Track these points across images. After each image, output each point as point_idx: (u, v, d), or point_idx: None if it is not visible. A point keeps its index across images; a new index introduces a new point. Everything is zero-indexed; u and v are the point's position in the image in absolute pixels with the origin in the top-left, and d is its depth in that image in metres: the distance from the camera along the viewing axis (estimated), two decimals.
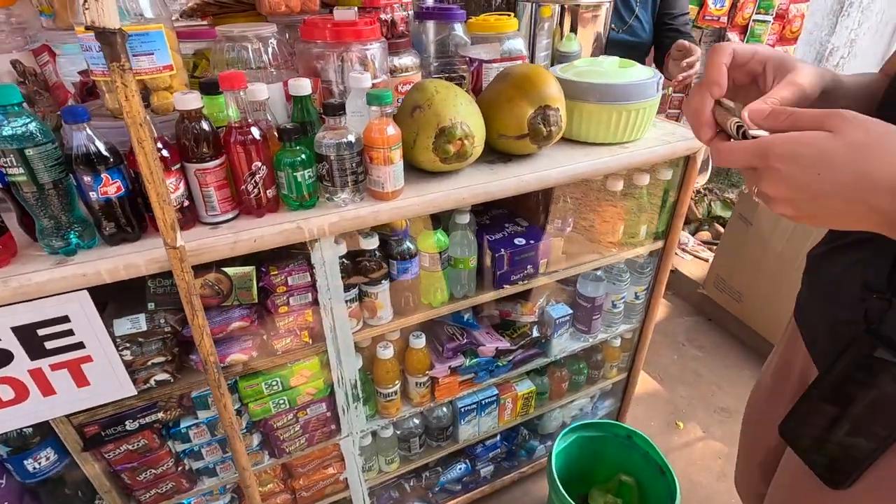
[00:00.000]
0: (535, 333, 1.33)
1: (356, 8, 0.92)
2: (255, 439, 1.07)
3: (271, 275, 0.89)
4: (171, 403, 0.95)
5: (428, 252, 1.04)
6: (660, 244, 1.33)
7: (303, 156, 0.81)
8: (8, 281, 0.69)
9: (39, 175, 0.66)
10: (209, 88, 0.80)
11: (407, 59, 1.05)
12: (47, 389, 0.78)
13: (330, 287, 0.93)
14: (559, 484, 1.25)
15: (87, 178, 0.69)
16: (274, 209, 0.86)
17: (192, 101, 0.72)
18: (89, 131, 0.68)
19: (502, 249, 1.11)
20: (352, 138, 0.82)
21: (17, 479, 0.89)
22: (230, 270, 0.86)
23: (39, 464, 0.88)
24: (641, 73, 1.08)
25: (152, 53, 0.76)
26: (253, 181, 0.80)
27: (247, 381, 0.98)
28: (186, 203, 0.78)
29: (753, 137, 0.44)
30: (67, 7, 0.79)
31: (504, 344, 1.27)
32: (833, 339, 0.65)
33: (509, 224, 1.21)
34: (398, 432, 1.30)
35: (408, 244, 1.03)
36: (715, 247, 2.50)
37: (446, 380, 1.23)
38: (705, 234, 2.92)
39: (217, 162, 0.77)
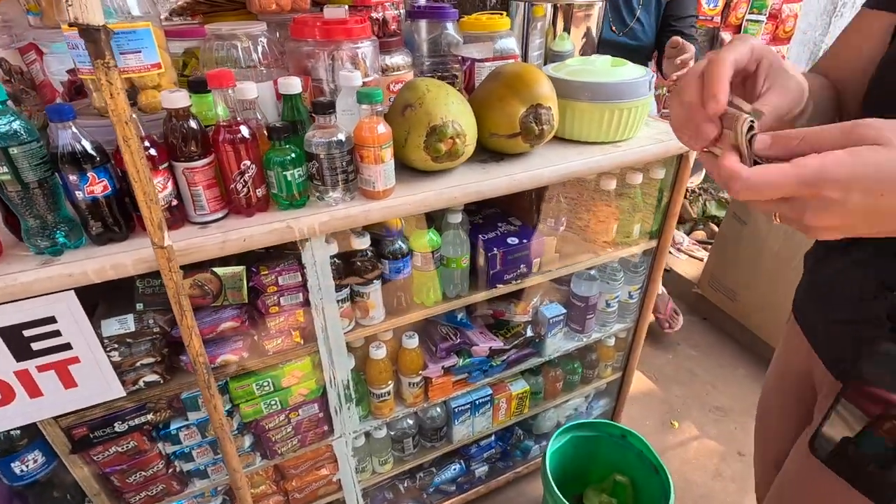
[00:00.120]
0: (529, 333, 1.33)
1: (346, 6, 0.91)
2: (247, 440, 1.07)
3: (261, 275, 0.89)
4: (160, 405, 0.95)
5: (420, 251, 1.03)
6: (653, 243, 1.33)
7: (292, 155, 0.81)
8: None
9: (24, 174, 0.65)
10: (197, 87, 0.79)
11: (399, 58, 1.05)
12: (34, 391, 0.77)
13: (321, 287, 0.92)
14: (553, 484, 1.25)
15: (72, 177, 0.68)
16: (264, 208, 0.85)
17: (179, 99, 0.71)
18: (75, 130, 0.67)
19: (495, 249, 1.10)
20: (342, 137, 0.82)
21: (5, 482, 0.88)
22: (220, 270, 0.86)
23: (27, 466, 0.87)
24: (633, 72, 1.08)
25: (140, 51, 0.76)
26: (242, 180, 0.80)
27: (238, 382, 0.97)
28: (175, 202, 0.77)
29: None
30: (54, 5, 0.78)
31: (498, 344, 1.26)
32: (835, 338, 0.65)
33: (502, 223, 1.21)
34: (392, 433, 1.29)
35: (400, 243, 1.02)
36: (709, 246, 2.50)
37: (440, 380, 1.23)
38: (700, 234, 2.93)
39: (205, 161, 0.77)
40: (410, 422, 1.31)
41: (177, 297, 0.76)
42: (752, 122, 0.40)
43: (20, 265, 0.71)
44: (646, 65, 1.59)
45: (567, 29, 1.43)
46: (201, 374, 0.83)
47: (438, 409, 1.33)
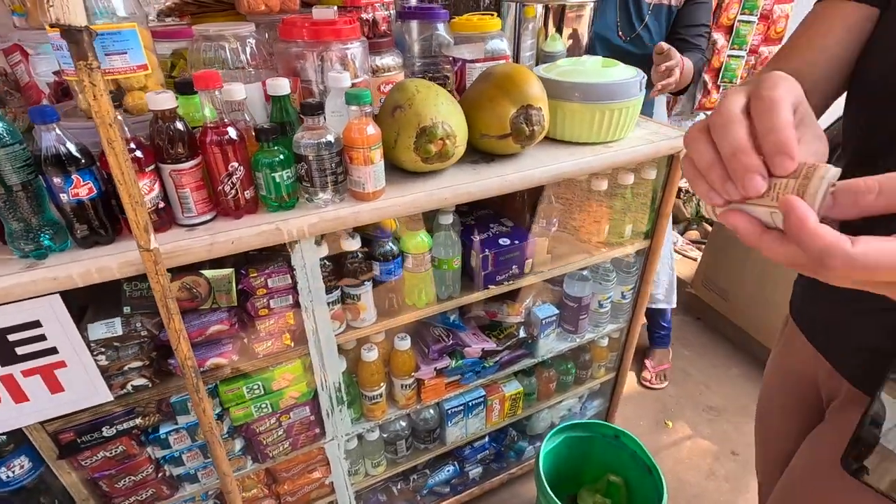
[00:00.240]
0: (522, 334, 1.32)
1: (336, 7, 0.91)
2: (238, 444, 1.06)
3: (250, 277, 0.88)
4: (149, 409, 0.94)
5: (411, 253, 1.03)
6: (646, 243, 1.33)
7: (281, 156, 0.80)
8: None
9: (7, 176, 0.65)
10: (184, 88, 0.78)
11: (389, 59, 1.05)
12: (19, 396, 0.77)
13: (311, 289, 0.91)
14: (546, 485, 1.24)
15: (57, 180, 0.68)
16: (252, 210, 0.84)
17: (165, 100, 0.71)
18: (58, 132, 0.67)
19: (487, 250, 1.10)
20: (331, 138, 0.81)
21: None
22: (208, 273, 0.85)
23: (13, 472, 0.86)
24: (624, 73, 1.08)
25: (125, 52, 0.75)
26: (230, 182, 0.79)
27: (227, 386, 0.96)
28: (162, 205, 0.77)
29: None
30: (38, 6, 0.78)
31: (490, 345, 1.26)
32: (853, 350, 0.64)
33: (494, 224, 1.21)
34: (384, 435, 1.29)
35: (391, 245, 1.02)
36: (703, 246, 2.51)
37: (432, 381, 1.22)
38: (693, 234, 2.94)
39: (193, 163, 0.76)
40: (403, 424, 1.31)
41: (164, 300, 0.75)
42: (834, 175, 0.32)
43: (3, 269, 0.70)
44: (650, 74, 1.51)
45: (559, 30, 1.43)
46: (190, 378, 0.83)
47: (431, 411, 1.33)
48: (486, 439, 1.53)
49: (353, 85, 0.90)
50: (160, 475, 1.00)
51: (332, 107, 0.87)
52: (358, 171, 0.85)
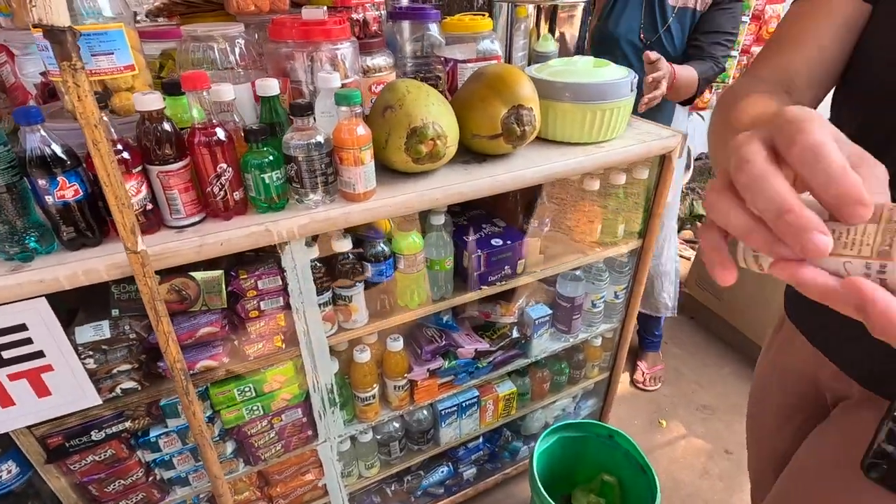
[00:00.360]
0: (515, 334, 1.32)
1: (325, 7, 0.91)
2: (229, 447, 1.05)
3: (241, 279, 0.88)
4: (139, 412, 0.93)
5: (403, 254, 1.03)
6: (638, 243, 1.34)
7: (270, 157, 0.80)
8: None
9: None
10: (171, 89, 0.78)
11: (380, 59, 1.04)
12: (6, 400, 0.76)
13: (302, 291, 0.91)
14: (540, 485, 1.24)
15: (41, 182, 0.67)
16: (242, 212, 0.84)
17: (152, 101, 0.70)
18: (43, 133, 0.66)
19: (479, 250, 1.10)
20: (320, 139, 0.81)
21: None
22: (197, 275, 0.84)
23: (0, 477, 0.85)
24: (615, 73, 1.08)
25: (112, 53, 0.74)
26: (218, 183, 0.78)
27: (218, 388, 0.96)
28: (150, 206, 0.76)
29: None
30: (23, 6, 0.77)
31: (483, 345, 1.26)
32: (866, 353, 0.63)
33: (487, 225, 1.21)
34: (378, 436, 1.28)
35: (382, 246, 1.01)
36: (697, 245, 2.52)
37: (425, 382, 1.22)
38: (687, 233, 2.95)
39: (181, 164, 0.75)
40: (397, 425, 1.30)
41: (152, 302, 0.74)
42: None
43: None
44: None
45: (552, 30, 1.44)
46: (179, 381, 0.82)
47: (425, 412, 1.33)
48: (481, 440, 1.53)
49: (344, 85, 0.90)
50: (150, 479, 0.99)
51: (321, 107, 0.87)
52: (348, 172, 0.84)
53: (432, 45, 1.15)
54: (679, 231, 2.98)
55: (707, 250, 0.34)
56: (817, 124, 0.29)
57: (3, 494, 0.86)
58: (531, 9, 1.35)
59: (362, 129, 0.82)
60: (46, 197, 0.68)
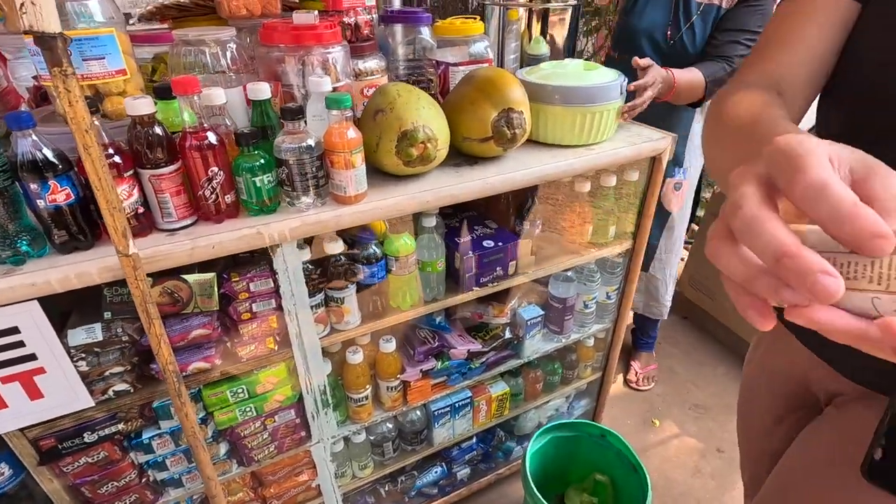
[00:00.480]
0: (508, 335, 1.33)
1: (316, 12, 0.91)
2: (223, 448, 1.06)
3: (232, 281, 0.88)
4: (131, 414, 0.93)
5: (395, 256, 1.04)
6: (629, 244, 1.35)
7: (261, 160, 0.80)
8: None
9: None
10: (163, 93, 0.78)
11: (372, 63, 1.05)
12: None
13: (294, 293, 0.92)
14: (532, 485, 1.25)
15: (33, 186, 0.67)
16: (234, 215, 0.84)
17: (143, 106, 0.71)
18: (35, 137, 0.66)
19: (470, 252, 1.11)
20: (311, 142, 0.81)
21: None
22: (190, 277, 0.85)
23: None
24: (605, 76, 1.09)
25: (103, 58, 0.75)
26: (210, 187, 0.79)
27: (211, 390, 0.96)
28: (141, 210, 0.77)
29: None
30: (14, 12, 0.77)
31: (476, 346, 1.27)
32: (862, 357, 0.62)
33: (479, 226, 1.22)
34: (371, 437, 1.29)
35: (374, 248, 1.02)
36: (690, 245, 2.53)
37: (418, 383, 1.23)
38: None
39: (172, 168, 0.76)
40: (390, 426, 1.31)
41: (144, 305, 0.75)
42: None
43: None
44: None
45: (543, 32, 1.45)
46: (171, 383, 0.83)
47: (418, 413, 1.33)
48: (474, 440, 1.54)
49: (335, 89, 0.91)
50: (143, 480, 1.00)
51: (313, 111, 0.88)
52: (339, 175, 0.85)
53: (424, 48, 1.16)
54: None
55: (734, 297, 0.32)
56: (815, 157, 0.27)
57: None
58: (522, 11, 1.36)
59: (353, 133, 0.83)
60: (38, 201, 0.69)
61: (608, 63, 1.22)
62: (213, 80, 0.88)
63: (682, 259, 2.61)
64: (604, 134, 1.12)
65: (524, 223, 1.24)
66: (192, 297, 0.86)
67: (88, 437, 0.88)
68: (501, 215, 1.27)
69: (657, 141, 1.17)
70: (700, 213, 2.96)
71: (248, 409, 1.01)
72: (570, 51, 1.47)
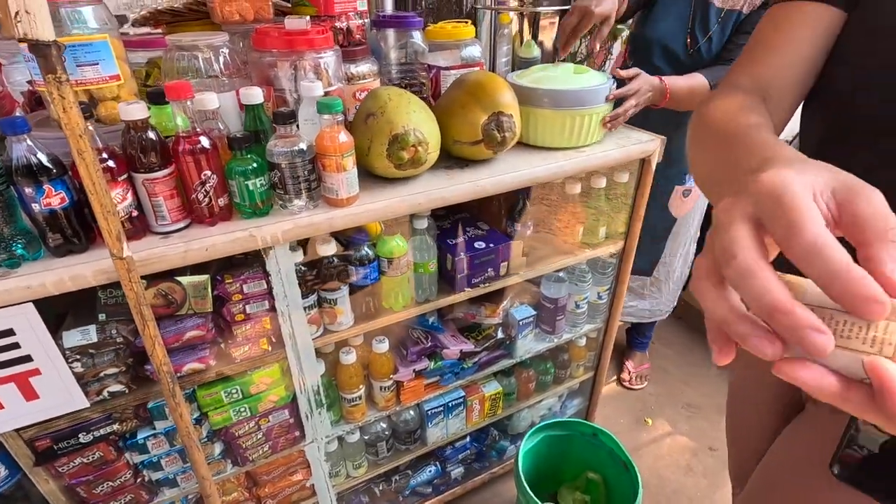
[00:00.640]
0: (500, 335, 1.35)
1: (308, 17, 0.93)
2: (217, 448, 1.07)
3: (226, 283, 0.89)
4: (126, 414, 0.94)
5: (387, 257, 1.05)
6: (620, 245, 1.36)
7: (254, 164, 0.82)
8: None
9: None
10: (156, 98, 0.80)
11: (364, 67, 1.06)
12: None
13: (287, 294, 0.93)
14: (525, 484, 1.27)
15: (28, 190, 0.68)
16: (227, 217, 0.86)
17: (136, 111, 0.72)
18: (30, 142, 0.68)
19: (462, 253, 1.12)
20: (303, 146, 0.83)
21: None
22: (184, 279, 0.86)
23: None
24: (593, 80, 1.10)
25: (97, 63, 0.76)
26: (203, 190, 0.80)
27: (205, 391, 0.97)
28: (135, 213, 0.78)
29: None
30: (8, 20, 0.78)
31: (469, 346, 1.28)
32: None
33: (470, 228, 1.23)
34: (365, 437, 1.30)
35: (367, 249, 1.03)
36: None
37: (411, 383, 1.24)
38: None
39: (165, 171, 0.77)
40: (384, 425, 1.32)
41: (138, 307, 0.76)
42: None
43: None
44: None
45: (535, 36, 1.46)
46: (166, 384, 0.84)
47: (412, 412, 1.35)
48: (468, 439, 1.55)
49: (327, 93, 0.92)
50: (139, 480, 1.01)
51: (305, 115, 0.89)
52: (331, 178, 0.86)
53: (416, 52, 1.17)
54: None
55: (708, 325, 0.32)
56: (806, 211, 0.27)
57: None
58: (514, 15, 1.38)
59: (344, 137, 0.84)
60: (33, 205, 0.70)
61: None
62: (206, 85, 0.89)
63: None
64: (593, 136, 1.14)
65: (516, 225, 1.26)
66: (186, 299, 0.88)
67: (84, 438, 0.89)
68: (493, 217, 1.29)
69: (646, 143, 1.18)
70: None
71: (242, 409, 1.02)
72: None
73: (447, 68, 1.15)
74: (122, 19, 1.62)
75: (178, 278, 0.86)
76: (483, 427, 1.52)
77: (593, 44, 1.20)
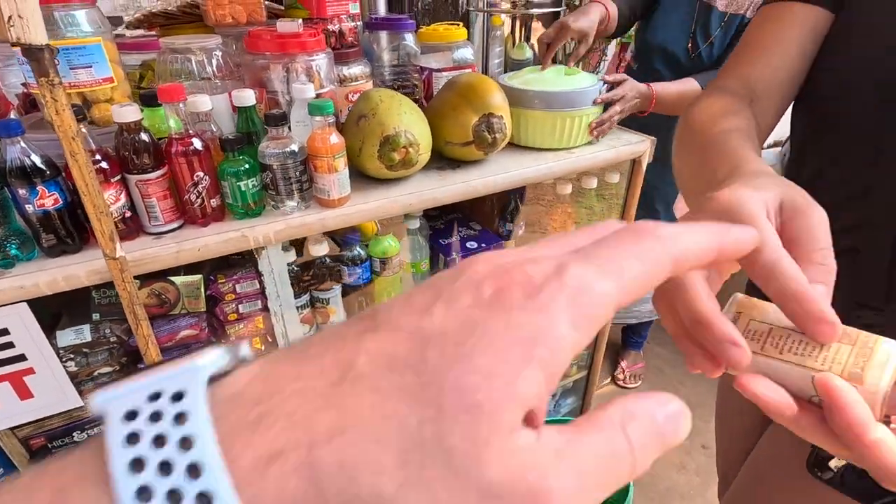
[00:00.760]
0: None
1: (301, 20, 0.94)
2: None
3: (219, 283, 0.90)
4: None
5: (379, 257, 1.06)
6: None
7: (246, 165, 0.83)
8: None
9: None
10: (149, 100, 0.81)
11: (357, 69, 1.07)
12: None
13: (280, 294, 0.94)
14: None
15: (22, 191, 0.69)
16: (219, 218, 0.87)
17: (129, 113, 0.73)
18: (23, 144, 0.68)
19: (454, 253, 1.14)
20: (295, 147, 0.84)
21: None
22: (177, 279, 0.87)
23: None
24: (584, 81, 1.12)
25: (90, 66, 0.77)
26: (196, 191, 0.81)
27: None
28: (128, 214, 0.79)
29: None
30: (2, 23, 0.79)
31: None
32: None
33: (463, 228, 1.24)
34: None
35: (359, 250, 1.04)
36: None
37: None
38: None
39: (158, 173, 0.78)
40: None
41: (131, 306, 0.77)
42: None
43: None
44: None
45: (527, 38, 1.48)
46: None
47: None
48: None
49: (319, 95, 0.93)
50: None
51: (296, 117, 0.90)
52: (322, 179, 0.87)
53: (408, 54, 1.18)
54: None
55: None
56: (764, 235, 0.27)
57: None
58: (506, 17, 1.39)
59: (335, 138, 0.85)
60: (27, 206, 0.71)
61: (628, 74, 1.20)
62: (199, 87, 0.90)
63: None
64: (584, 137, 1.15)
65: (508, 224, 1.27)
66: (179, 299, 0.89)
67: (78, 437, 0.90)
68: (486, 217, 1.30)
69: (636, 144, 1.20)
70: None
71: None
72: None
73: (439, 70, 1.17)
74: (117, 21, 1.63)
75: (172, 278, 0.87)
76: None
77: (570, 62, 1.22)
